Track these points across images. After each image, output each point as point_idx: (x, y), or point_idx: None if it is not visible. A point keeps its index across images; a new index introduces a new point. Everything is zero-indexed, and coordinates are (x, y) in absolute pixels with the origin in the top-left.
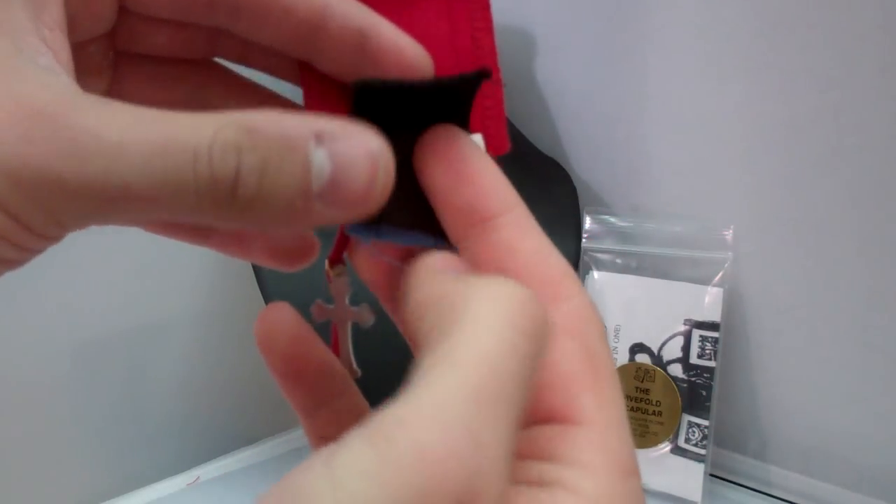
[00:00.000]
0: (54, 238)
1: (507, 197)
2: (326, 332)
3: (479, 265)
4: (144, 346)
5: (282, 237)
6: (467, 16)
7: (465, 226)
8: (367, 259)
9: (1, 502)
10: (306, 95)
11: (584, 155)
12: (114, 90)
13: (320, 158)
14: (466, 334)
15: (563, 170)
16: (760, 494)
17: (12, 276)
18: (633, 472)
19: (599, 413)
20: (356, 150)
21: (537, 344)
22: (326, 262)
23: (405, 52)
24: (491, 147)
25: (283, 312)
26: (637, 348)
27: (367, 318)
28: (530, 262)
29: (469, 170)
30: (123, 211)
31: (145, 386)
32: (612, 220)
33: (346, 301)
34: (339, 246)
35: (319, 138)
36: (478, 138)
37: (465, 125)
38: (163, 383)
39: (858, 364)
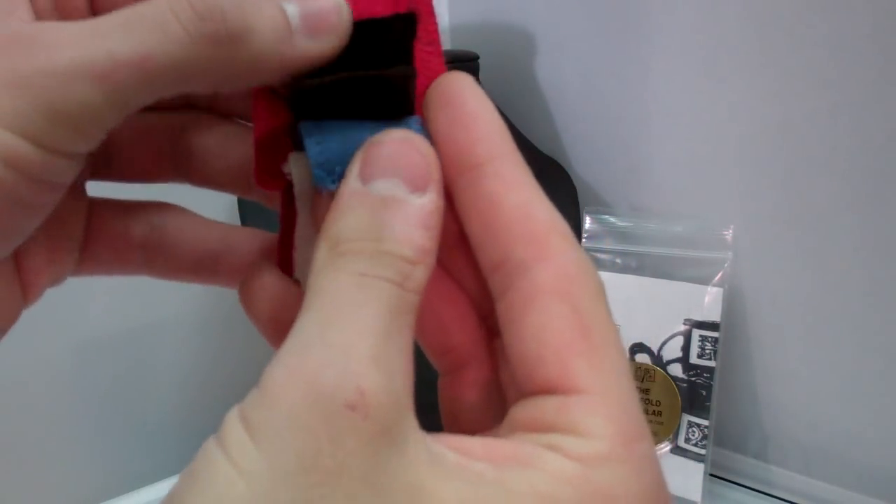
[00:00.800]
0: (77, 157)
1: (497, 143)
2: None
3: (466, 218)
4: (144, 345)
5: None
6: None
7: (456, 172)
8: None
9: (1, 502)
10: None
11: (584, 155)
12: None
13: (288, 7)
14: (309, 288)
15: (563, 170)
16: (760, 494)
17: None
18: (639, 437)
19: (596, 379)
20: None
21: (384, 270)
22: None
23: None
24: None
25: (266, 278)
26: (637, 348)
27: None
28: (513, 217)
29: (464, 114)
30: (124, 85)
31: (145, 386)
32: (612, 220)
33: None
34: (284, 251)
35: None
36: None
37: (408, 63)
38: (163, 383)
39: (858, 364)
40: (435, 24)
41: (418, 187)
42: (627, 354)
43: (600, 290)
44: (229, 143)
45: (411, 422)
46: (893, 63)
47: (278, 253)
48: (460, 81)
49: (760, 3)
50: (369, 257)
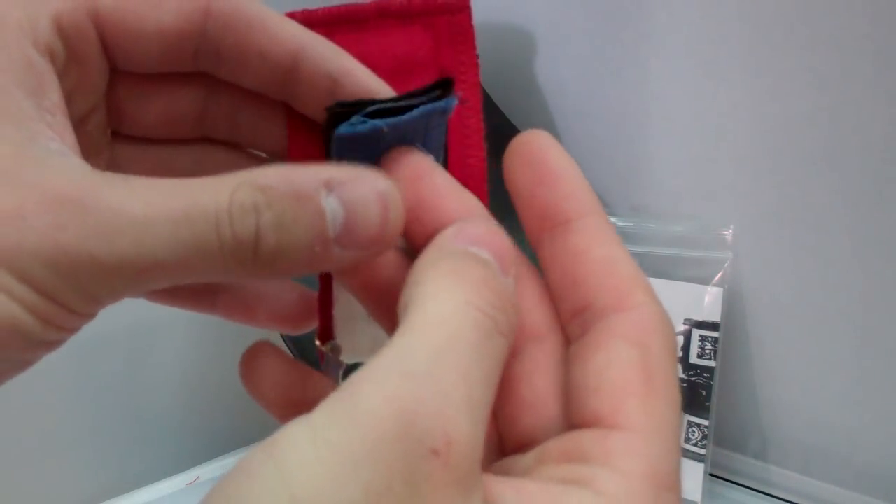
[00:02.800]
0: (90, 315)
1: (584, 201)
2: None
3: (550, 269)
4: (144, 345)
5: (285, 303)
6: (452, 51)
7: (542, 228)
8: (359, 273)
9: (1, 502)
10: (291, 139)
11: (584, 155)
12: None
13: (332, 205)
14: (425, 305)
15: None
16: (760, 494)
17: None
18: (671, 487)
19: (645, 420)
20: (365, 192)
21: (501, 318)
22: (317, 340)
23: (376, 95)
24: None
25: (268, 357)
26: None
27: None
28: (599, 270)
29: (549, 172)
30: (154, 280)
31: (145, 386)
32: (612, 220)
33: (340, 379)
34: (324, 321)
35: (329, 186)
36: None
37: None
38: (163, 383)
39: (858, 364)
40: (476, 95)
41: (505, 268)
42: None
43: (673, 344)
44: None
45: (479, 470)
46: (893, 63)
47: (319, 321)
48: (543, 139)
49: (760, 4)
50: (493, 293)
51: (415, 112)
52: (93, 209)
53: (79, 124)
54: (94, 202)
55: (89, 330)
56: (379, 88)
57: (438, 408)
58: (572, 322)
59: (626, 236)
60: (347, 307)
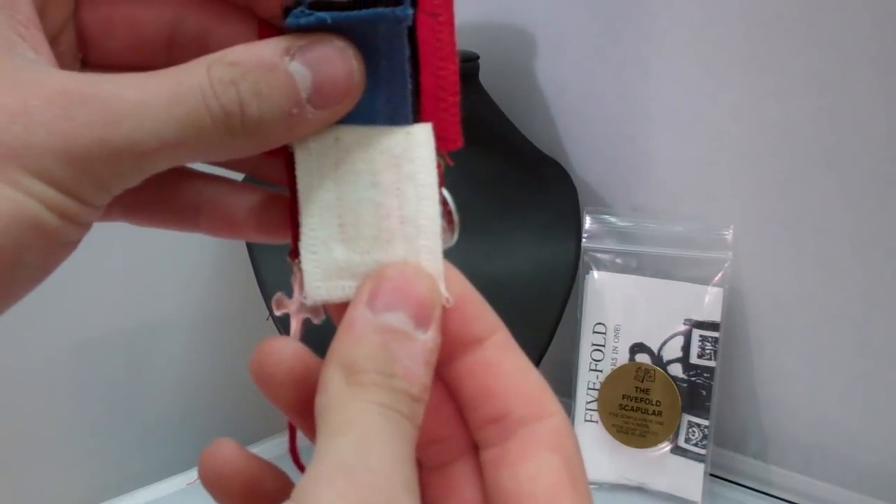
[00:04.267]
0: (101, 207)
1: (490, 321)
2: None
3: (462, 382)
4: (143, 345)
5: (268, 211)
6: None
7: (454, 350)
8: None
9: (1, 502)
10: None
11: (584, 155)
12: None
13: (297, 68)
14: (334, 412)
15: (563, 170)
16: (760, 494)
17: None
18: None
19: None
20: (325, 51)
21: (403, 406)
22: (288, 257)
23: None
24: (443, 141)
25: (279, 351)
26: (637, 348)
27: (319, 314)
28: (512, 381)
29: (455, 300)
30: (159, 160)
31: (145, 386)
32: (612, 220)
33: (300, 332)
34: (296, 229)
35: (289, 52)
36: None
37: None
38: (162, 383)
39: (858, 363)
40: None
41: (422, 323)
42: (628, 355)
43: (579, 446)
44: None
45: None
46: (893, 63)
47: (292, 226)
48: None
49: (760, 3)
50: (386, 391)
51: (362, 12)
52: (92, 96)
53: (51, 44)
54: (91, 91)
55: (89, 330)
56: None
57: (387, 494)
58: (485, 429)
59: (626, 236)
60: (321, 217)
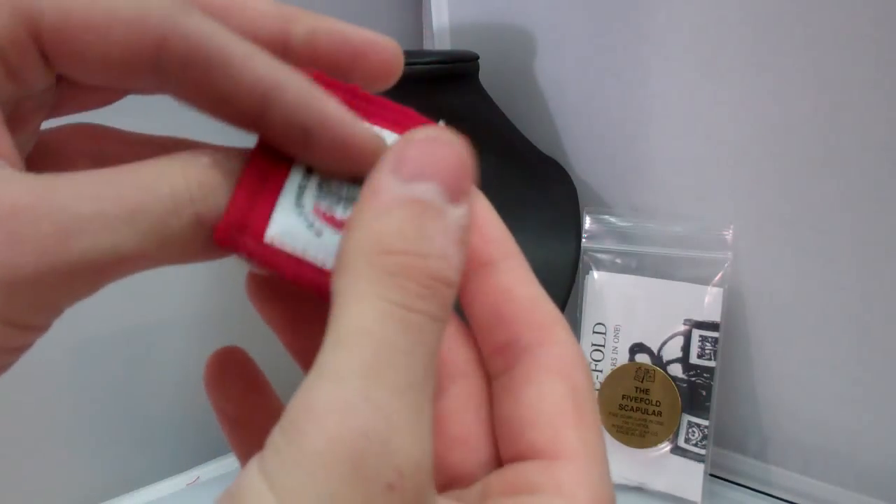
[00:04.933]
0: (48, 326)
1: (507, 245)
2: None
3: (475, 306)
4: (144, 345)
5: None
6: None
7: (469, 269)
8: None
9: (1, 502)
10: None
11: (584, 155)
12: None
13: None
14: (348, 313)
15: (563, 170)
16: (760, 494)
17: None
18: None
19: (583, 448)
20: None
21: (433, 302)
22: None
23: (353, 147)
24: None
25: (230, 363)
26: (637, 348)
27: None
28: (525, 307)
29: (476, 219)
30: (118, 274)
31: (145, 386)
32: (612, 220)
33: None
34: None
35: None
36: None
37: None
38: (162, 383)
39: (858, 364)
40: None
41: (455, 197)
42: (628, 355)
43: (591, 378)
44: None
45: (433, 489)
46: (893, 63)
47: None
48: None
49: (760, 3)
50: (413, 285)
51: None
52: (46, 216)
53: (31, 135)
54: (43, 207)
55: (89, 330)
56: (360, 133)
57: (384, 441)
58: (495, 357)
59: (626, 236)
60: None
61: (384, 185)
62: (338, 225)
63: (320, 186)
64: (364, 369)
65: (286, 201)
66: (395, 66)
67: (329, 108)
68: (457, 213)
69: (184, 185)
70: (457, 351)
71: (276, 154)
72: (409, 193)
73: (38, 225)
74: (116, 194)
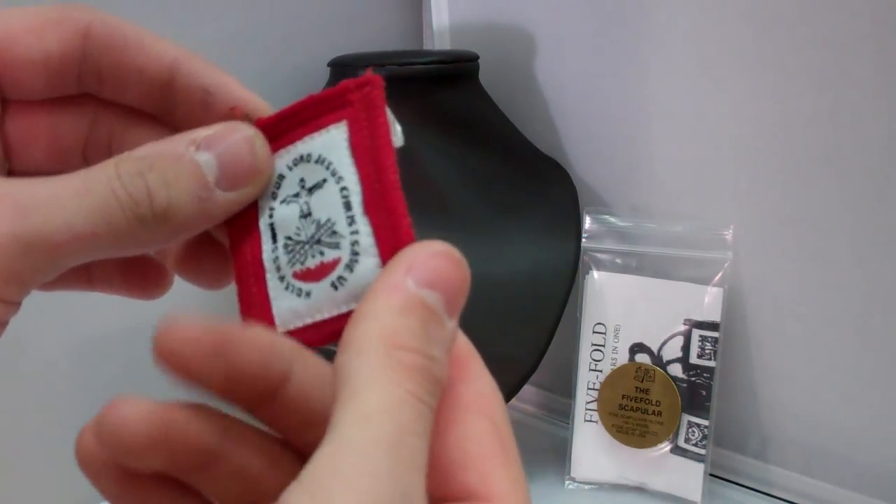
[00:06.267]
0: (17, 304)
1: None
2: None
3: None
4: (144, 345)
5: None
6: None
7: None
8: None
9: (1, 502)
10: None
11: (584, 155)
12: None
13: (203, 156)
14: (370, 392)
15: (563, 170)
16: (760, 494)
17: None
18: None
19: (512, 487)
20: (228, 137)
21: (435, 398)
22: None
23: (247, 104)
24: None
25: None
26: (637, 348)
27: None
28: None
29: None
30: (72, 253)
31: (145, 386)
32: (612, 220)
33: None
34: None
35: (195, 143)
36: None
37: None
38: (162, 383)
39: (858, 364)
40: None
41: (451, 311)
42: (628, 355)
43: (506, 410)
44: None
45: None
46: (893, 63)
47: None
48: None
49: (760, 3)
50: (422, 380)
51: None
52: (6, 196)
53: None
54: (5, 190)
55: (89, 330)
56: (249, 99)
57: None
58: None
59: (626, 236)
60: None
61: (401, 283)
62: (314, 276)
63: (286, 247)
64: (387, 445)
65: (273, 282)
66: None
67: (226, 76)
68: (451, 325)
69: (115, 174)
70: None
71: (245, 225)
72: (422, 298)
73: (1, 203)
74: (66, 181)
